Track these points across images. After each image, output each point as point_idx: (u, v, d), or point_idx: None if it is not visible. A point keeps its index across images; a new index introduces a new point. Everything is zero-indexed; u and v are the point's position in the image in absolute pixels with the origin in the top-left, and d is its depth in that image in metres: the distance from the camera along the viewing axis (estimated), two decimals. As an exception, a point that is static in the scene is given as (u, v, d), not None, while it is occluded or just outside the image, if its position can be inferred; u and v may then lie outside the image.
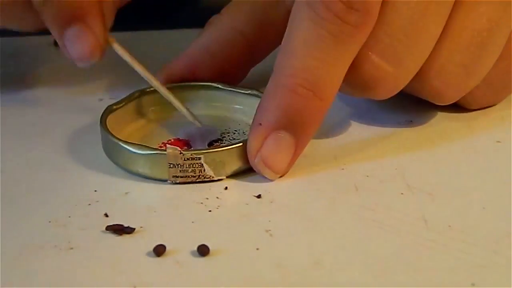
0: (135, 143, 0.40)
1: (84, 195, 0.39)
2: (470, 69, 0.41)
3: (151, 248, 0.35)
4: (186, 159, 0.39)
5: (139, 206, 0.38)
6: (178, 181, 0.39)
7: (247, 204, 0.38)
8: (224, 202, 0.38)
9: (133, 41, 0.56)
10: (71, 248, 0.35)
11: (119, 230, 0.36)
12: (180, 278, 0.34)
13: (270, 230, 0.36)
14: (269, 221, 0.37)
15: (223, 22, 0.47)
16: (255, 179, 0.40)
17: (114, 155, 0.41)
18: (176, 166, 0.39)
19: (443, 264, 0.34)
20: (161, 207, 0.38)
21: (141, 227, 0.37)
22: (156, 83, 0.44)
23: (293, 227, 0.37)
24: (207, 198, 0.39)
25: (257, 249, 0.35)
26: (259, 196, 0.39)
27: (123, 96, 0.45)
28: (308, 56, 0.39)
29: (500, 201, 0.38)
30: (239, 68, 0.47)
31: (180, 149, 0.39)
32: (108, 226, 0.36)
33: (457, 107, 0.46)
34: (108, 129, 0.41)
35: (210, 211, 0.38)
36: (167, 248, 0.35)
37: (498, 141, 0.43)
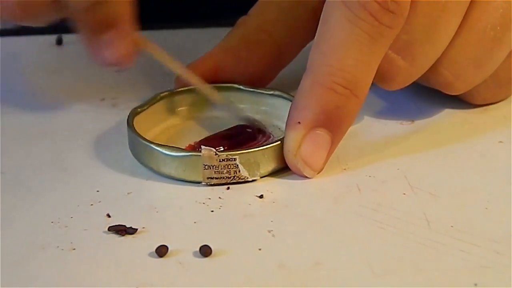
0: (168, 145, 0.40)
1: (86, 195, 0.39)
2: (480, 63, 0.42)
3: (154, 249, 0.35)
4: (221, 160, 0.39)
5: (142, 207, 0.38)
6: (212, 183, 0.39)
7: (249, 204, 0.38)
8: (226, 202, 0.38)
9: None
10: (74, 249, 0.35)
11: (121, 230, 0.36)
12: (183, 279, 0.34)
13: (272, 230, 0.36)
14: (271, 221, 0.37)
15: (250, 23, 0.47)
16: (257, 179, 0.40)
17: (145, 157, 0.41)
18: (211, 168, 0.39)
19: (446, 265, 0.34)
20: (163, 207, 0.38)
21: (143, 227, 0.37)
22: (194, 81, 0.44)
23: (295, 227, 0.37)
24: (209, 198, 0.39)
25: (259, 249, 0.35)
26: (261, 197, 0.39)
27: (124, 96, 0.45)
28: (346, 56, 0.39)
29: (502, 202, 0.38)
30: (266, 71, 0.47)
31: (215, 150, 0.39)
32: (110, 226, 0.36)
33: (459, 107, 0.46)
34: (137, 131, 0.41)
35: (212, 211, 0.38)
36: (170, 249, 0.35)
37: (501, 141, 0.43)
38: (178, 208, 0.38)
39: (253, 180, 0.40)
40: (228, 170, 0.39)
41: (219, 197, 0.39)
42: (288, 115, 0.40)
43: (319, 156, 0.40)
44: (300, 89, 0.40)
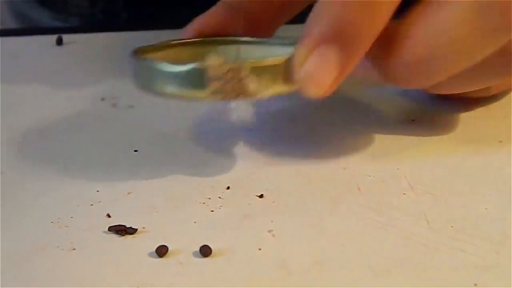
0: (170, 61, 0.37)
1: (86, 195, 0.39)
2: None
3: (154, 249, 0.35)
4: (227, 70, 0.36)
5: (142, 207, 0.38)
6: (218, 98, 0.37)
7: (249, 204, 0.38)
8: (226, 202, 0.38)
9: (134, 41, 0.56)
10: (74, 249, 0.35)
11: (121, 230, 0.36)
12: (183, 279, 0.34)
13: (272, 230, 0.36)
14: (272, 221, 0.37)
15: None
16: (257, 179, 0.40)
17: (148, 81, 0.38)
18: (217, 80, 0.36)
19: (445, 265, 0.34)
20: (163, 207, 0.38)
21: (143, 227, 0.37)
22: None
23: (295, 227, 0.37)
24: (209, 198, 0.39)
25: (259, 249, 0.35)
26: (261, 196, 0.39)
27: (124, 96, 0.44)
28: None
29: (502, 202, 0.38)
30: (270, 23, 0.44)
31: (221, 60, 0.36)
32: (110, 226, 0.36)
33: (459, 107, 0.46)
34: (139, 55, 0.38)
35: (212, 211, 0.38)
36: (170, 249, 0.35)
37: (500, 141, 0.43)
38: (178, 208, 0.38)
39: (261, 97, 0.37)
40: (236, 81, 0.37)
41: (219, 197, 0.39)
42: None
43: (325, 74, 0.37)
44: (316, 4, 0.37)
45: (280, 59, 0.37)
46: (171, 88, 0.38)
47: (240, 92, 0.37)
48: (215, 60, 0.37)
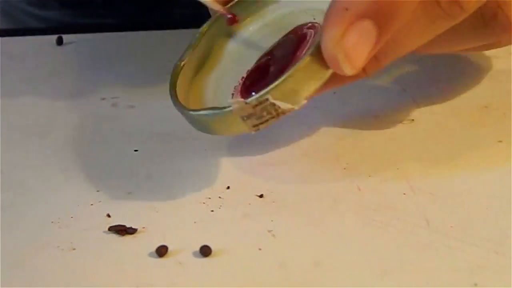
0: (205, 109, 0.37)
1: (86, 195, 0.39)
2: None
3: (154, 249, 0.35)
4: (254, 106, 0.35)
5: (142, 207, 0.38)
6: (260, 128, 0.36)
7: (250, 204, 0.38)
8: (226, 202, 0.38)
9: (133, 41, 0.56)
10: (74, 249, 0.35)
11: (121, 230, 0.36)
12: (183, 279, 0.34)
13: (272, 230, 0.36)
14: (272, 221, 0.37)
15: None
16: (257, 179, 0.40)
17: (199, 126, 0.38)
18: (250, 117, 0.36)
19: (445, 265, 0.34)
20: (164, 207, 0.38)
21: (143, 227, 0.37)
22: None
23: (295, 227, 0.37)
24: (209, 198, 0.39)
25: (260, 249, 0.35)
26: (261, 196, 0.39)
27: (124, 95, 0.44)
28: None
29: (502, 202, 0.38)
30: None
31: (243, 100, 0.36)
32: (110, 226, 0.36)
33: (459, 106, 0.46)
34: (182, 104, 0.38)
35: (212, 211, 0.38)
36: (170, 249, 0.35)
37: (500, 141, 0.43)
38: (178, 208, 0.38)
39: (301, 106, 0.36)
40: (268, 111, 0.36)
41: (219, 197, 0.39)
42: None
43: (362, 51, 0.35)
44: None
45: (293, 69, 0.36)
46: (216, 130, 0.37)
47: (277, 115, 0.36)
48: (237, 103, 0.36)
